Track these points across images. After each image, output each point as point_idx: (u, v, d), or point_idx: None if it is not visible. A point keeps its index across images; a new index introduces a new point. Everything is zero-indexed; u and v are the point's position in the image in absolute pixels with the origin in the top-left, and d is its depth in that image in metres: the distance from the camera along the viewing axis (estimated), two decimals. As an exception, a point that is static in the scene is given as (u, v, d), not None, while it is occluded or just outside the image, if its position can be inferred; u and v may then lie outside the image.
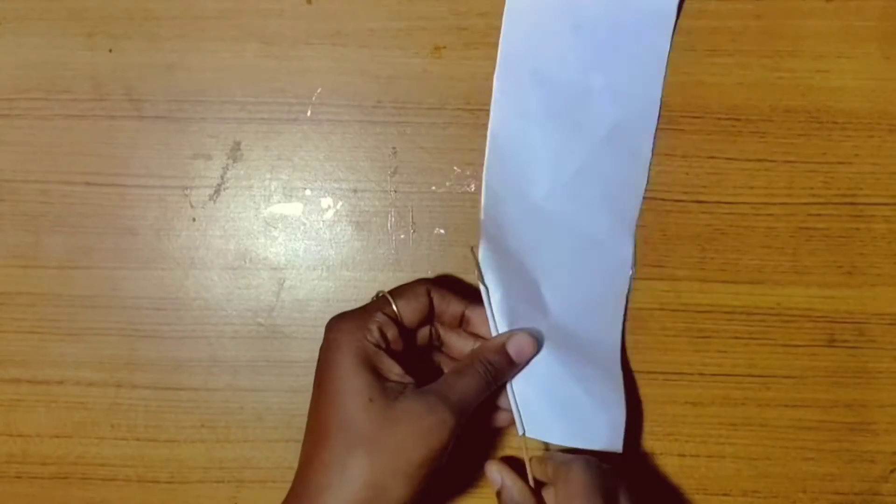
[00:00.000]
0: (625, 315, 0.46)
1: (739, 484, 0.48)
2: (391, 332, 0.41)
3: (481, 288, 0.43)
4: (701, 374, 0.48)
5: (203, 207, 0.49)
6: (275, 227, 0.49)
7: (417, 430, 0.39)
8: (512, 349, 0.42)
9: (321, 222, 0.49)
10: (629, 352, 0.48)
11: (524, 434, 0.43)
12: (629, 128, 0.47)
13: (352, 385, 0.40)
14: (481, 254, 0.44)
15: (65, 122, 0.49)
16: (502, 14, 0.47)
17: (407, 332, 0.43)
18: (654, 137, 0.47)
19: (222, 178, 0.49)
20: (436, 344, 0.45)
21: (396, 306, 0.42)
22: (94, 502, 0.49)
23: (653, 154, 0.47)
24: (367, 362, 0.40)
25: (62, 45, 0.49)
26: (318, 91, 0.49)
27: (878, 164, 0.48)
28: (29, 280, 0.49)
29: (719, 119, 0.48)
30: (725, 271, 0.48)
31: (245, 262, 0.49)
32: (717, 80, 0.48)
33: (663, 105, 0.48)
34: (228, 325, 0.49)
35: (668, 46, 0.47)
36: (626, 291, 0.46)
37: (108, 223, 0.49)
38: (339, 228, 0.49)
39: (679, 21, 0.48)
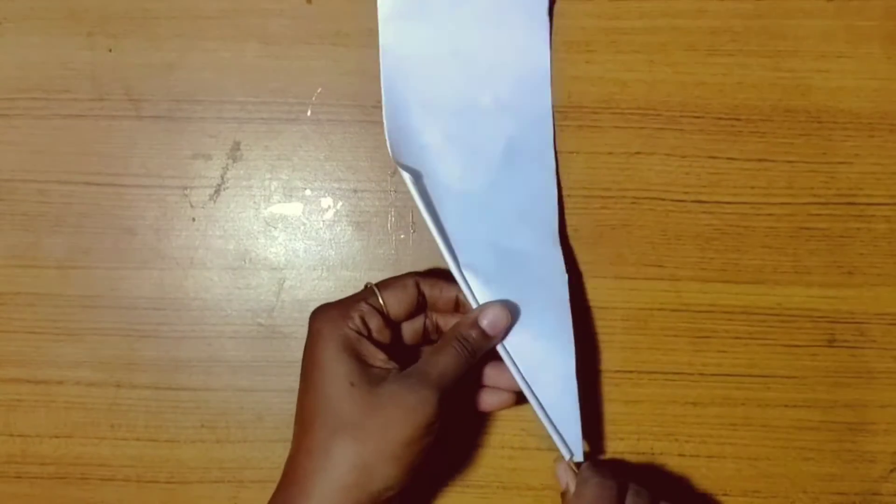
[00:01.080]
0: (574, 321, 0.45)
1: (740, 484, 0.48)
2: (374, 322, 0.42)
3: (451, 269, 0.44)
4: (701, 375, 0.48)
5: (203, 207, 0.49)
6: (275, 227, 0.49)
7: (400, 411, 0.39)
8: (485, 322, 0.43)
9: (321, 222, 0.49)
10: (629, 351, 0.48)
11: (571, 458, 0.44)
12: (526, 140, 0.46)
13: (334, 371, 0.40)
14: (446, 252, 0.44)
15: (64, 122, 0.49)
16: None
17: (394, 324, 0.43)
18: (555, 144, 0.47)
19: (222, 177, 0.49)
20: (433, 337, 0.45)
21: (381, 297, 0.42)
22: (94, 502, 0.48)
23: (557, 161, 0.47)
24: (349, 349, 0.41)
25: (62, 45, 0.49)
26: (318, 91, 0.49)
27: (878, 165, 0.48)
28: (28, 280, 0.49)
29: (720, 119, 0.48)
30: (726, 271, 0.48)
31: (245, 262, 0.49)
32: (717, 80, 0.48)
33: (664, 106, 0.48)
34: (228, 325, 0.49)
35: (548, 52, 0.47)
36: (567, 298, 0.45)
37: (107, 223, 0.49)
38: (339, 228, 0.49)
39: (679, 21, 0.48)
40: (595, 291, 0.48)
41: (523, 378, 0.43)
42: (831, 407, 0.48)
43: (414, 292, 0.43)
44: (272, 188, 0.49)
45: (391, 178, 0.48)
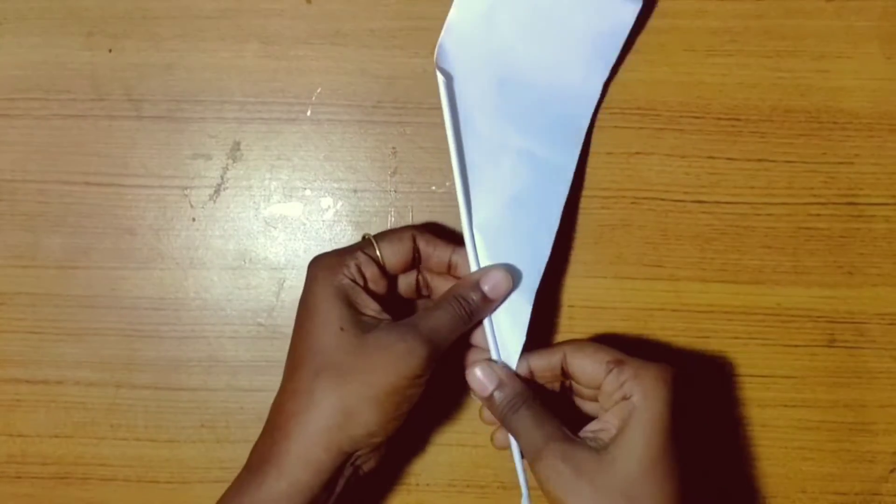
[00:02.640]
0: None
1: (739, 484, 0.48)
2: (370, 271, 0.42)
3: (463, 223, 0.43)
4: (701, 375, 0.48)
5: (203, 207, 0.49)
6: (275, 227, 0.49)
7: (385, 358, 0.39)
8: (486, 285, 0.42)
9: (321, 222, 0.49)
10: (629, 352, 0.48)
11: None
12: (539, 193, 0.45)
13: (325, 316, 0.41)
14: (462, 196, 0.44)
15: (64, 122, 0.49)
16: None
17: (389, 276, 0.43)
18: (563, 206, 0.45)
19: (222, 177, 0.49)
20: (424, 293, 0.45)
21: (378, 248, 0.42)
22: (94, 503, 0.48)
23: (558, 226, 0.45)
24: (342, 296, 0.41)
25: (61, 45, 0.49)
26: (318, 91, 0.49)
27: (878, 165, 0.48)
28: (28, 280, 0.49)
29: (719, 119, 0.48)
30: (725, 271, 0.48)
31: (245, 262, 0.49)
32: (717, 80, 0.48)
33: (663, 106, 0.48)
34: (228, 325, 0.49)
35: (589, 122, 0.47)
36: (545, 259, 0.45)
37: (107, 223, 0.49)
38: (339, 228, 0.49)
39: (679, 21, 0.48)
40: (595, 291, 0.48)
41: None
42: (831, 407, 0.48)
43: (410, 245, 0.43)
44: (272, 188, 0.49)
45: (391, 178, 0.48)
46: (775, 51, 0.48)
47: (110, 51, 0.49)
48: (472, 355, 0.45)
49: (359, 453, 0.40)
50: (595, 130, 0.48)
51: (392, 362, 0.39)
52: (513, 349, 0.43)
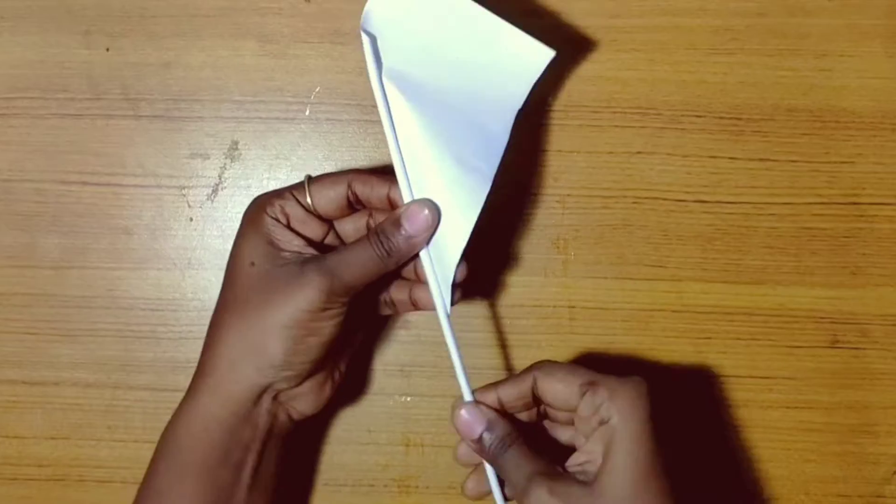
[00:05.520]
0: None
1: (741, 486, 0.48)
2: (294, 211, 0.42)
3: (393, 157, 0.41)
4: (702, 376, 0.48)
5: (200, 207, 0.49)
6: (273, 227, 0.49)
7: (284, 291, 0.39)
8: (406, 221, 0.40)
9: (320, 222, 0.48)
10: (631, 353, 0.48)
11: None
12: (476, 142, 0.42)
13: (238, 252, 0.41)
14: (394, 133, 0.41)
15: (61, 121, 0.48)
16: (502, 12, 0.47)
17: (325, 219, 0.43)
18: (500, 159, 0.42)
19: (220, 177, 0.49)
20: None
21: (309, 191, 0.42)
22: (91, 505, 0.48)
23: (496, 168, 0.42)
24: (261, 232, 0.41)
25: (59, 44, 0.48)
26: (317, 90, 0.48)
27: (881, 164, 0.48)
28: (24, 280, 0.48)
29: (721, 118, 0.48)
30: (727, 272, 0.48)
31: (243, 262, 0.48)
32: (719, 79, 0.48)
33: (664, 105, 0.48)
34: (226, 325, 0.48)
35: (500, 158, 0.42)
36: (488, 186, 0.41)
37: (104, 223, 0.48)
38: (337, 228, 0.48)
39: (680, 19, 0.48)
40: (596, 292, 0.48)
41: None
42: (834, 408, 0.48)
43: (343, 190, 0.42)
44: (270, 187, 0.48)
45: (390, 177, 0.48)
46: (777, 49, 0.48)
47: (108, 49, 0.48)
48: (400, 292, 0.44)
49: (275, 387, 0.40)
50: (595, 130, 0.48)
51: (288, 295, 0.39)
52: (449, 267, 0.41)
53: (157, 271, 0.48)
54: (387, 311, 0.45)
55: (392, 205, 0.42)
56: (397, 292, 0.44)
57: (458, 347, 0.41)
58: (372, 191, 0.42)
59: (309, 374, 0.41)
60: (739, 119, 0.48)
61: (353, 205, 0.43)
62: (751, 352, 0.48)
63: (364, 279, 0.40)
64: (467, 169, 0.41)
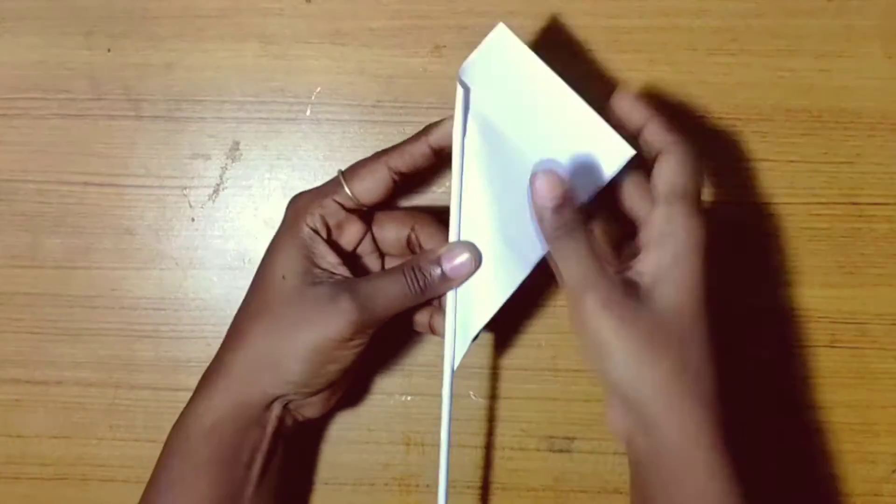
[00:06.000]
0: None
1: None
2: (335, 220, 0.41)
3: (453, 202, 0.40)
4: (702, 375, 0.48)
5: (202, 207, 0.49)
6: (274, 228, 0.48)
7: (313, 314, 0.39)
8: (447, 263, 0.40)
9: (321, 222, 0.49)
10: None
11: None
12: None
13: (273, 262, 0.41)
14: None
15: (63, 122, 0.49)
16: (503, 12, 0.47)
17: (365, 220, 0.43)
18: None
19: (221, 177, 0.49)
20: (416, 252, 0.44)
21: (349, 187, 0.41)
22: (93, 503, 0.48)
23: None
24: (297, 245, 0.41)
25: (60, 45, 0.49)
26: (318, 90, 0.49)
27: (880, 164, 0.48)
28: (27, 280, 0.48)
29: (720, 119, 0.48)
30: (726, 271, 0.48)
31: (244, 262, 0.49)
32: (718, 80, 0.48)
33: (664, 105, 0.48)
34: (227, 325, 0.48)
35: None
36: (534, 261, 0.41)
37: (106, 223, 0.49)
38: (338, 228, 0.49)
39: (680, 20, 0.48)
40: (595, 292, 0.48)
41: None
42: (832, 408, 0.48)
43: (384, 173, 0.41)
44: (271, 188, 0.49)
45: (391, 178, 0.48)
46: (776, 50, 0.48)
47: (109, 50, 0.49)
48: (421, 315, 0.44)
49: (287, 398, 0.41)
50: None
51: (317, 321, 0.39)
52: (471, 330, 0.41)
53: (160, 271, 0.48)
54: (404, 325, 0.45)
55: (436, 154, 0.41)
56: (419, 314, 0.44)
57: (451, 404, 0.41)
58: (412, 157, 0.41)
59: (322, 390, 0.41)
60: (739, 119, 0.48)
61: (398, 183, 0.42)
62: (750, 351, 0.48)
63: (393, 312, 0.40)
64: (516, 241, 0.40)
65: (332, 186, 0.42)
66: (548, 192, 0.36)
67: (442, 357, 0.41)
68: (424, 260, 0.40)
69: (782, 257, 0.48)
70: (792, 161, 0.48)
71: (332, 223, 0.42)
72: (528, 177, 0.37)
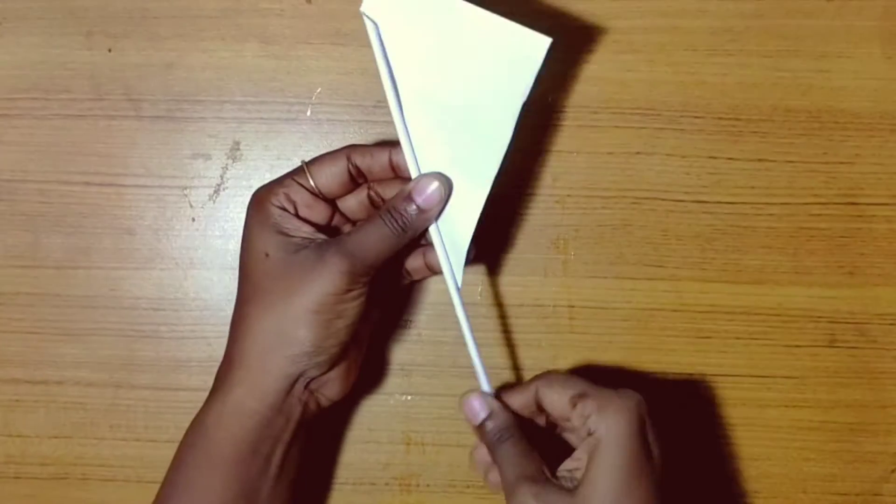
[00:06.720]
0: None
1: (740, 484, 0.48)
2: (300, 197, 0.42)
3: (398, 129, 0.41)
4: (702, 375, 0.48)
5: (202, 207, 0.49)
6: (274, 227, 0.49)
7: (306, 276, 0.39)
8: (419, 196, 0.41)
9: (321, 222, 0.49)
10: (629, 352, 0.48)
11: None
12: (483, 118, 0.42)
13: (251, 245, 0.41)
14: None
15: (63, 122, 0.49)
16: (502, 13, 0.47)
17: (330, 200, 0.43)
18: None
19: (222, 177, 0.49)
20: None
21: (311, 174, 0.42)
22: (93, 503, 0.48)
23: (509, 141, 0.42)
24: (270, 223, 0.41)
25: (61, 45, 0.49)
26: (318, 91, 0.49)
27: (879, 165, 0.48)
28: (27, 280, 0.48)
29: (720, 119, 0.48)
30: (726, 271, 0.48)
31: (244, 262, 0.49)
32: (717, 80, 0.48)
33: (664, 106, 0.48)
34: (227, 325, 0.48)
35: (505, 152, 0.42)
36: (500, 159, 0.41)
37: (106, 223, 0.49)
38: (338, 228, 0.49)
39: (679, 20, 0.48)
40: (595, 291, 0.48)
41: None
42: (832, 407, 0.48)
43: (344, 165, 0.42)
44: (272, 188, 0.49)
45: (391, 178, 0.48)
46: (776, 50, 0.48)
47: (110, 50, 0.49)
48: (415, 260, 0.44)
49: (307, 375, 0.40)
50: (595, 131, 0.48)
51: (311, 280, 0.39)
52: (461, 248, 0.42)
53: (160, 271, 0.49)
54: (405, 281, 0.46)
55: (395, 170, 0.42)
56: (412, 261, 0.45)
57: (472, 331, 0.42)
58: (373, 159, 0.42)
59: (338, 359, 0.41)
60: (738, 119, 0.48)
61: (355, 178, 0.43)
62: (749, 351, 0.48)
63: (383, 256, 0.41)
64: (475, 150, 0.41)
65: (294, 172, 0.43)
66: (480, 410, 0.41)
67: (447, 291, 0.42)
68: (398, 199, 0.41)
69: (782, 257, 0.48)
70: (791, 161, 0.48)
71: (297, 201, 0.42)
72: (460, 98, 0.41)
